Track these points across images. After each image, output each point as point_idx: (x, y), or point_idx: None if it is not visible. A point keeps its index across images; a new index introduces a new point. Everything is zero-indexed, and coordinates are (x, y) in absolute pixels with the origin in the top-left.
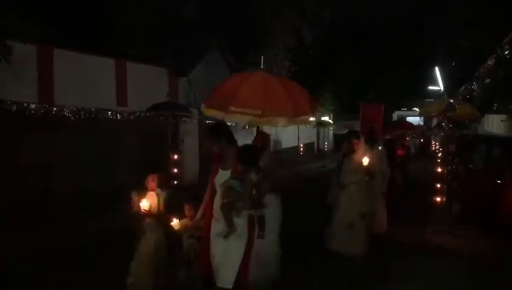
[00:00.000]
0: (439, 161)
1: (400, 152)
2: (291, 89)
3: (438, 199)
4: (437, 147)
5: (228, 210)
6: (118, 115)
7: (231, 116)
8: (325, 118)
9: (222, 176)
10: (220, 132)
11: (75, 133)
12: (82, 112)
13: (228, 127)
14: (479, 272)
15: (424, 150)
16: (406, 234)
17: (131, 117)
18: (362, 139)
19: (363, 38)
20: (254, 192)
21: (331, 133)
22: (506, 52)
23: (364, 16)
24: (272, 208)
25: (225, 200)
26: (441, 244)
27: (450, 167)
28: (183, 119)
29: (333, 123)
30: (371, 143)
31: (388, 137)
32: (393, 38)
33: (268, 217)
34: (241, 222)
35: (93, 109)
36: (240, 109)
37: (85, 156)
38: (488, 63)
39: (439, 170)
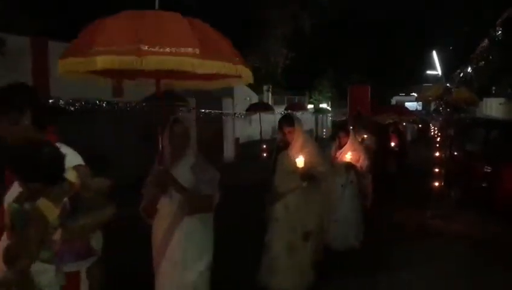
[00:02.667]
0: (437, 145)
1: (394, 140)
2: (201, 27)
3: (437, 184)
4: (436, 132)
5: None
6: (116, 106)
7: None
8: (323, 105)
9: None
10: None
11: (71, 125)
12: (77, 104)
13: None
14: (477, 256)
15: (423, 134)
16: (405, 219)
17: (128, 107)
18: (351, 135)
19: (362, 25)
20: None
21: (329, 120)
22: (499, 33)
23: (363, 3)
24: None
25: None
26: (440, 228)
27: (448, 151)
28: (180, 108)
29: (331, 110)
30: (360, 127)
31: (381, 124)
32: (392, 22)
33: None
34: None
35: (89, 101)
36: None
37: (82, 148)
38: (481, 45)
39: (437, 154)
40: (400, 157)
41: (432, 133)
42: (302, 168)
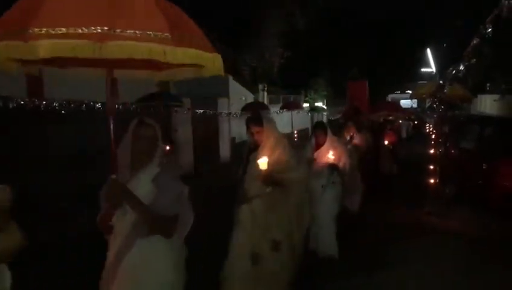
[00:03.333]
0: (432, 142)
1: (388, 138)
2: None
3: (432, 181)
4: (431, 129)
5: None
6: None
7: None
8: (319, 104)
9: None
10: None
11: (65, 126)
12: (72, 105)
13: None
14: (473, 254)
15: (419, 132)
16: (400, 216)
17: (120, 108)
18: (329, 133)
19: (357, 23)
20: None
21: (325, 118)
22: (489, 31)
23: (358, 2)
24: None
25: None
26: (435, 225)
27: (443, 148)
28: (175, 109)
29: (327, 108)
30: (357, 127)
31: (374, 122)
32: (387, 21)
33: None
34: None
35: (84, 101)
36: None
37: (77, 149)
38: (473, 43)
39: (432, 151)
40: (394, 156)
41: (427, 131)
42: (264, 171)
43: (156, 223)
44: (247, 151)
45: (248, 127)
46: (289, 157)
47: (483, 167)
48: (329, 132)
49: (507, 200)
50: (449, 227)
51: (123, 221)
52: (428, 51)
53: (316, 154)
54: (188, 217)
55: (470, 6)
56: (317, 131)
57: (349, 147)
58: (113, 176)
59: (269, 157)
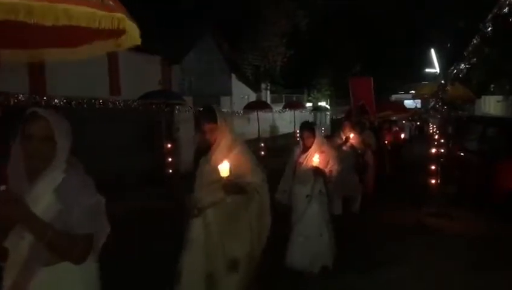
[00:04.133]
0: (435, 143)
1: (389, 138)
2: None
3: (433, 181)
4: (434, 129)
5: None
6: (111, 104)
7: None
8: (322, 103)
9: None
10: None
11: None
12: (74, 102)
13: None
14: (473, 254)
15: (422, 132)
16: (400, 215)
17: (121, 106)
18: (318, 134)
19: (361, 23)
20: None
21: (328, 118)
22: (489, 30)
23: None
24: None
25: None
26: (436, 225)
27: (445, 149)
28: (177, 107)
29: (330, 108)
30: (360, 129)
31: (373, 122)
32: (391, 21)
33: None
34: None
35: (85, 100)
36: None
37: (78, 146)
38: (473, 42)
39: (434, 151)
40: (394, 157)
41: (431, 131)
42: (226, 178)
43: (61, 247)
44: (195, 153)
45: (199, 124)
46: (248, 159)
47: (485, 168)
48: (318, 132)
49: (508, 200)
50: (449, 227)
51: (18, 246)
52: (433, 51)
53: (302, 158)
54: (103, 235)
55: (471, 6)
56: (304, 132)
57: (344, 148)
58: (3, 187)
59: (226, 159)
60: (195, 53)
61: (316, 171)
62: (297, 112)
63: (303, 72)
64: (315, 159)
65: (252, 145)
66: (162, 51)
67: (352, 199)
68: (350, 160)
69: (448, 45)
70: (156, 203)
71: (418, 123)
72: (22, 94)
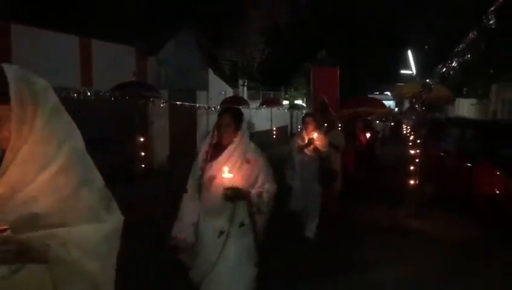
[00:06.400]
0: (410, 144)
1: (362, 138)
2: None
3: (411, 182)
4: (408, 131)
5: None
6: (81, 94)
7: None
8: (298, 102)
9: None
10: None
11: None
12: None
13: None
14: (451, 255)
15: (395, 133)
16: (378, 217)
17: (92, 97)
18: (241, 135)
19: (338, 23)
20: None
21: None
22: (492, 22)
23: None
24: None
25: None
26: (413, 227)
27: (422, 150)
28: (151, 99)
29: (306, 106)
30: (328, 127)
31: (347, 120)
32: (367, 21)
33: None
34: None
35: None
36: None
37: None
38: (470, 36)
39: (412, 152)
40: (368, 159)
41: (404, 132)
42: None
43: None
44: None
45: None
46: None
47: (462, 170)
48: (244, 128)
49: (486, 203)
50: (426, 228)
51: None
52: (409, 52)
53: (210, 166)
54: None
55: (452, 7)
56: (223, 116)
57: (306, 151)
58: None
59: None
60: (172, 45)
61: (232, 194)
62: (274, 110)
63: (281, 70)
64: (225, 175)
65: None
66: (137, 42)
67: (309, 217)
68: (313, 167)
69: (426, 47)
70: (126, 199)
71: (392, 124)
72: None
